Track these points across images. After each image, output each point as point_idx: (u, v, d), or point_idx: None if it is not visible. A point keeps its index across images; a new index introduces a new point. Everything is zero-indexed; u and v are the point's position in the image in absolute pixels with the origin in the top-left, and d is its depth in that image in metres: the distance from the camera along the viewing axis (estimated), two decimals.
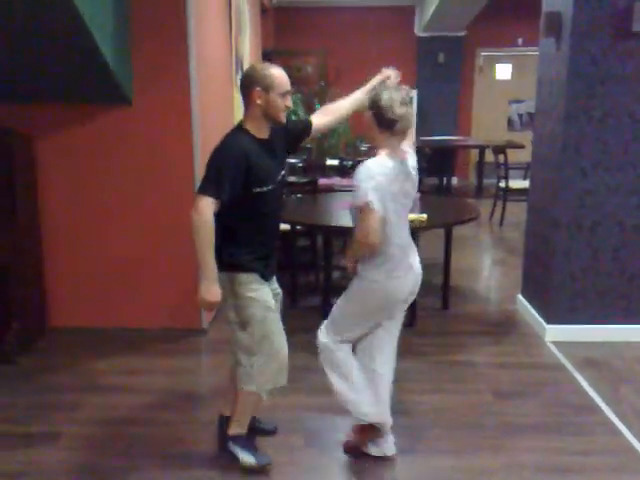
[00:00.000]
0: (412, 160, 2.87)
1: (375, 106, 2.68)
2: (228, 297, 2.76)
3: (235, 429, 2.93)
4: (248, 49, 7.03)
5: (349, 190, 6.20)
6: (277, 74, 2.65)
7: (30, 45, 3.54)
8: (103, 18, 3.65)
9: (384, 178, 2.65)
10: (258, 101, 2.63)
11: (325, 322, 3.01)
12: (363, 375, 2.95)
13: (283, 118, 2.72)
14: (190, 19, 4.14)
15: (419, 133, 11.05)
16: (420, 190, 4.84)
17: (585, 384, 3.77)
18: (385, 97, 2.67)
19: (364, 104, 2.85)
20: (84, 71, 3.83)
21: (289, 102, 2.70)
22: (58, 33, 3.44)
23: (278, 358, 2.81)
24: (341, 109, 3.05)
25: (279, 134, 2.80)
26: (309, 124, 2.99)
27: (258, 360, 2.79)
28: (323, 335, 2.98)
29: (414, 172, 2.85)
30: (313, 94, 10.32)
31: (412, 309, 4.62)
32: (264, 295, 2.77)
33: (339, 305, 2.97)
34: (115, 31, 3.85)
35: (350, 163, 7.55)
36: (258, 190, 2.66)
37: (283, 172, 2.85)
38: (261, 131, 2.71)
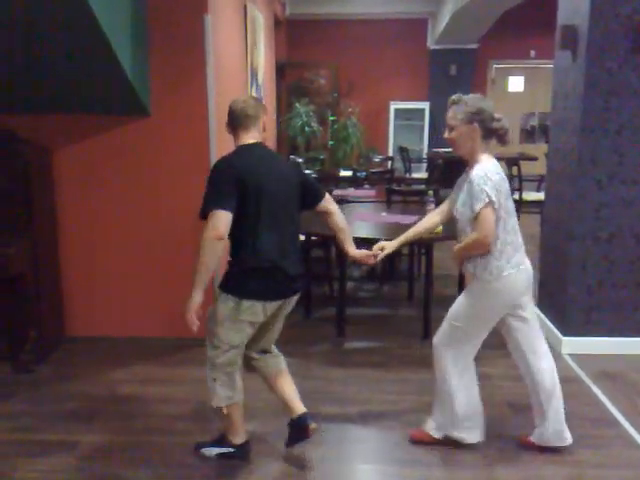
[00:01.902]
0: None
1: (479, 117, 2.89)
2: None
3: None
4: (263, 61, 7.09)
5: (362, 201, 6.26)
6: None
7: (49, 56, 3.59)
8: (122, 29, 3.70)
9: (499, 177, 2.82)
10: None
11: (441, 339, 3.13)
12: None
13: None
14: (208, 31, 4.18)
15: (432, 145, 11.11)
16: (435, 202, 4.88)
17: (602, 397, 3.75)
18: (486, 107, 2.91)
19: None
20: (103, 82, 3.88)
21: None
22: (77, 45, 3.48)
23: None
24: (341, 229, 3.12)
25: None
26: (319, 198, 3.03)
27: None
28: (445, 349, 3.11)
29: None
30: (325, 106, 10.38)
31: (426, 321, 4.63)
32: None
33: (463, 313, 3.02)
34: (134, 42, 3.90)
35: (364, 174, 7.57)
36: None
37: None
38: None
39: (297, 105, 8.96)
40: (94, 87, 3.96)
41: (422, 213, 4.85)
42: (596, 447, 3.23)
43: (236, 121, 2.90)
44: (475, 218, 2.82)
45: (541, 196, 6.95)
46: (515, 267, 2.90)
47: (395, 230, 4.70)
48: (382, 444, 3.28)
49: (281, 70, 9.39)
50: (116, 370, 4.13)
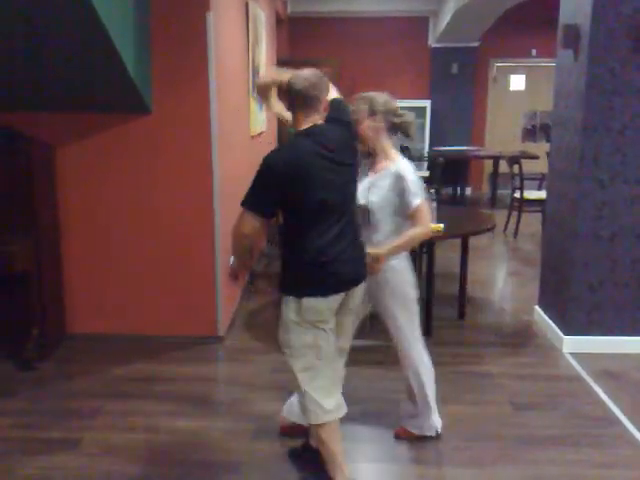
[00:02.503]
0: None
1: (382, 111, 2.93)
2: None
3: None
4: (264, 58, 7.08)
5: None
6: None
7: (51, 55, 3.59)
8: (124, 26, 3.69)
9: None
10: None
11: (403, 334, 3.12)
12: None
13: None
14: (210, 28, 4.18)
15: (433, 143, 11.11)
16: (437, 200, 4.88)
17: (603, 396, 3.76)
18: (387, 102, 2.95)
19: None
20: (105, 80, 3.87)
21: None
22: (80, 43, 3.48)
23: None
24: None
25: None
26: None
27: None
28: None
29: None
30: None
31: (428, 319, 4.63)
32: None
33: (406, 307, 3.05)
34: (136, 40, 3.90)
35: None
36: None
37: None
38: None
39: None
40: (96, 84, 3.95)
41: None
42: (597, 446, 3.23)
43: (296, 102, 2.62)
44: (415, 212, 2.90)
45: (542, 195, 6.95)
46: None
47: None
48: (381, 442, 3.28)
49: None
50: (118, 368, 4.13)
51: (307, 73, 2.63)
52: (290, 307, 2.64)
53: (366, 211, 2.95)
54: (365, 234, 2.90)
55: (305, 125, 2.60)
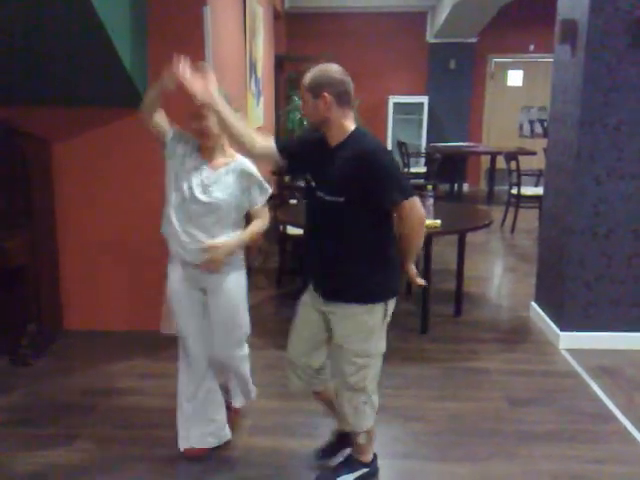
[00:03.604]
0: None
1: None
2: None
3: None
4: (262, 53, 7.06)
5: None
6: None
7: (49, 50, 3.58)
8: (121, 21, 3.68)
9: None
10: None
11: (241, 338, 3.05)
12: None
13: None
14: (207, 23, 4.17)
15: (430, 139, 11.10)
16: (434, 196, 4.87)
17: (599, 392, 3.76)
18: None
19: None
20: (101, 74, 3.86)
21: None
22: (78, 39, 3.47)
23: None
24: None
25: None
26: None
27: None
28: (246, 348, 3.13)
29: None
30: None
31: (425, 316, 4.63)
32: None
33: (242, 308, 2.99)
34: (133, 34, 3.88)
35: None
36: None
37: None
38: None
39: (295, 98, 8.92)
40: (92, 78, 3.93)
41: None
42: (594, 442, 3.24)
43: (346, 97, 2.53)
44: (259, 210, 2.92)
45: (539, 191, 6.95)
46: None
47: None
48: (380, 438, 3.27)
49: (280, 63, 9.35)
50: (114, 364, 4.13)
51: (335, 66, 2.57)
52: (377, 313, 2.61)
53: (209, 208, 2.81)
54: (206, 231, 2.83)
55: (352, 123, 2.56)
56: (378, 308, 2.60)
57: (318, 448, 3.07)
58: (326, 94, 2.46)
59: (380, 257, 2.58)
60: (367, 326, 2.60)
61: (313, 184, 2.59)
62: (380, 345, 2.70)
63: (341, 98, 2.50)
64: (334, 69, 2.54)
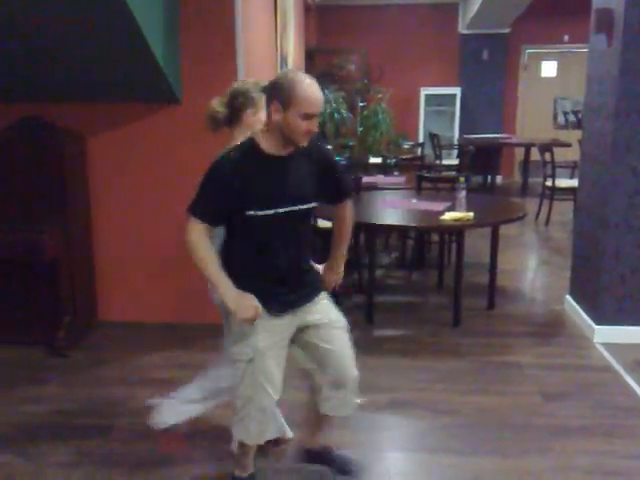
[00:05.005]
0: None
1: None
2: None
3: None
4: (292, 47, 7.07)
5: (392, 188, 6.23)
6: (303, 91, 2.24)
7: (84, 47, 3.62)
8: (155, 19, 3.72)
9: None
10: (275, 116, 2.30)
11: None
12: None
13: (303, 141, 2.33)
14: (238, 17, 4.18)
15: (463, 131, 11.01)
16: (467, 189, 4.83)
17: (635, 386, 3.70)
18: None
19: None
20: (136, 71, 3.90)
21: (313, 125, 2.30)
22: (112, 36, 3.51)
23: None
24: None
25: (314, 160, 2.47)
26: (341, 197, 2.66)
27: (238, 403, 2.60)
28: None
29: None
30: (355, 92, 10.31)
31: (457, 309, 4.60)
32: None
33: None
34: (166, 32, 3.91)
35: (393, 161, 7.53)
36: (251, 213, 2.36)
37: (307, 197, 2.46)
38: (276, 147, 2.37)
39: (326, 92, 8.92)
40: (126, 75, 3.98)
41: (452, 200, 4.81)
42: (629, 437, 3.19)
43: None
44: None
45: (574, 183, 6.84)
46: None
47: (425, 217, 4.69)
48: (411, 432, 3.28)
49: (311, 56, 9.37)
50: (149, 355, 4.18)
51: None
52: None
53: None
54: None
55: None
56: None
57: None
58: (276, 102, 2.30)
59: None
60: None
61: (268, 205, 2.37)
62: None
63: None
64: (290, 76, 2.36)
